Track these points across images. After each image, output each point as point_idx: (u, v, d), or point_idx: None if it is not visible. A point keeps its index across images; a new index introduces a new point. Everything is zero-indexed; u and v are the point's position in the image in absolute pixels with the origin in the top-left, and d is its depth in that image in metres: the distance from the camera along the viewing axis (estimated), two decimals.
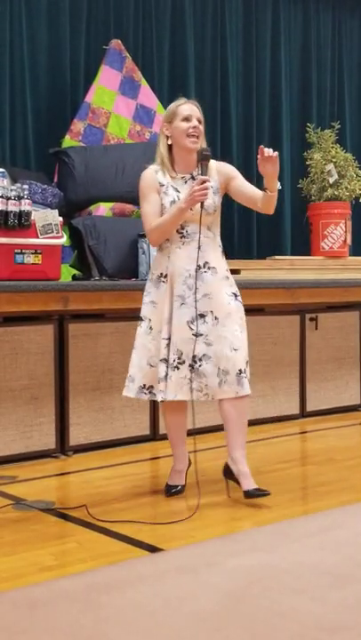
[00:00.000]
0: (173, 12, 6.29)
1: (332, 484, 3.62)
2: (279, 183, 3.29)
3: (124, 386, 3.48)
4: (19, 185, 4.32)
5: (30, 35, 5.58)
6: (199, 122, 3.38)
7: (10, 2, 5.46)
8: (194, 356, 3.29)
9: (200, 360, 3.30)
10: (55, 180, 5.33)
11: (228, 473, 3.40)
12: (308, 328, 5.27)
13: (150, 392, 3.41)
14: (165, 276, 3.39)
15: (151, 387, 3.40)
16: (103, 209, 5.21)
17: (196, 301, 3.30)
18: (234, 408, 3.32)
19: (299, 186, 6.41)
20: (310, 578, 2.38)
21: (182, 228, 3.36)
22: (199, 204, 3.25)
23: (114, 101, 5.63)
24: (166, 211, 3.35)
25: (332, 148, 6.24)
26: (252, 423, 4.92)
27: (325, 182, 6.13)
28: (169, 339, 3.33)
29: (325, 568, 2.46)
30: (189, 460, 3.57)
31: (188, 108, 3.39)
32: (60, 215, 4.42)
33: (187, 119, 3.36)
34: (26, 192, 4.26)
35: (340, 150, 6.26)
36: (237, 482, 3.35)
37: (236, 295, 3.40)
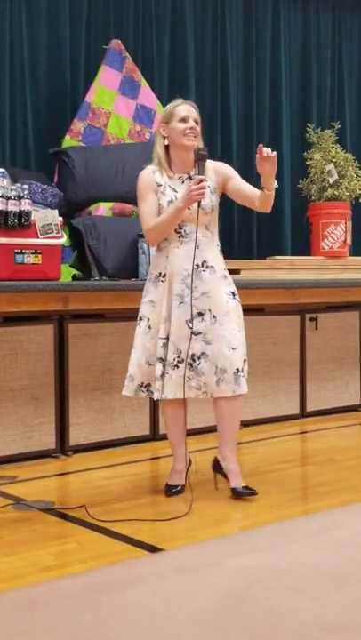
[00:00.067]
0: (173, 12, 6.29)
1: (332, 484, 3.62)
2: (276, 182, 3.31)
3: (123, 386, 3.49)
4: (19, 185, 4.32)
5: (30, 34, 5.58)
6: (196, 122, 3.42)
7: (10, 2, 5.46)
8: (192, 355, 3.32)
9: (198, 358, 3.33)
10: (55, 180, 5.33)
11: (218, 467, 3.49)
12: (308, 328, 5.27)
13: (148, 390, 3.43)
14: (164, 276, 3.41)
15: (149, 385, 3.43)
16: (103, 209, 5.21)
17: (193, 299, 3.32)
18: (229, 406, 3.38)
19: (299, 186, 6.41)
20: (310, 578, 2.38)
21: (180, 228, 3.38)
22: (196, 204, 3.27)
23: (114, 101, 5.63)
24: (164, 210, 3.37)
25: (332, 148, 6.24)
26: (252, 423, 4.95)
27: (325, 182, 6.13)
28: (166, 338, 3.35)
29: (325, 568, 2.46)
30: (190, 460, 3.58)
31: (185, 109, 3.42)
32: (60, 215, 4.42)
33: (184, 120, 3.39)
34: (26, 192, 4.26)
35: (340, 150, 6.26)
36: (226, 477, 3.43)
37: (234, 294, 3.43)
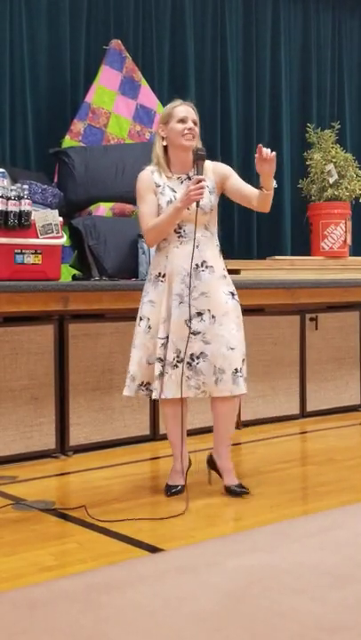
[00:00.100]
0: (173, 12, 6.29)
1: (332, 484, 3.62)
2: (275, 181, 3.32)
3: (124, 386, 3.50)
4: (19, 185, 4.32)
5: (30, 34, 5.58)
6: (194, 123, 3.44)
7: (10, 2, 5.46)
8: (192, 354, 3.35)
9: (197, 358, 3.36)
10: (55, 180, 5.33)
11: (212, 464, 3.54)
12: (308, 328, 5.27)
13: (147, 389, 3.45)
14: (164, 276, 3.42)
15: (149, 383, 3.45)
16: (103, 209, 5.21)
17: (191, 299, 3.33)
18: (225, 406, 3.43)
19: (299, 186, 6.41)
20: (310, 578, 2.38)
21: (180, 228, 3.39)
22: (195, 204, 3.29)
23: (114, 101, 5.63)
24: (163, 211, 3.39)
25: (333, 148, 6.24)
26: (252, 423, 4.96)
27: (325, 182, 6.13)
28: (165, 338, 3.37)
29: (325, 568, 2.46)
30: (190, 461, 3.58)
31: (183, 110, 3.44)
32: (60, 215, 4.42)
33: (182, 121, 3.41)
34: (26, 192, 4.26)
35: (340, 150, 6.26)
36: (220, 474, 3.50)
37: (233, 294, 3.44)
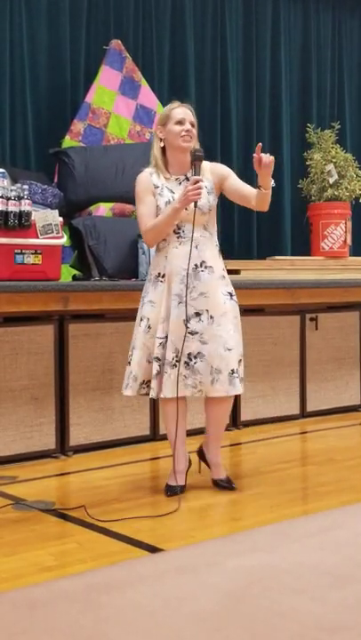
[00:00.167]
0: (173, 12, 6.29)
1: (332, 484, 3.62)
2: (273, 181, 3.32)
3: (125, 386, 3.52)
4: (19, 185, 4.32)
5: (30, 34, 5.58)
6: (192, 125, 3.46)
7: (10, 2, 5.46)
8: (189, 354, 3.37)
9: (195, 357, 3.38)
10: (55, 180, 5.33)
11: (202, 455, 3.65)
12: (308, 328, 5.27)
13: (148, 387, 3.47)
14: (163, 276, 3.43)
15: (148, 381, 3.47)
16: (103, 209, 5.21)
17: (189, 299, 3.35)
18: (219, 406, 3.49)
19: (299, 186, 6.41)
20: (310, 578, 2.38)
21: (179, 229, 3.41)
22: (193, 204, 3.30)
23: (114, 101, 5.63)
24: (161, 212, 3.39)
25: (332, 148, 6.24)
26: (252, 423, 4.96)
27: (325, 182, 6.13)
28: (164, 338, 3.39)
29: (325, 568, 2.46)
30: (189, 461, 3.59)
31: (181, 112, 3.45)
32: (60, 215, 4.42)
33: (180, 122, 3.43)
34: (26, 192, 4.26)
35: (340, 150, 6.26)
36: (209, 466, 3.60)
37: (231, 295, 3.46)
